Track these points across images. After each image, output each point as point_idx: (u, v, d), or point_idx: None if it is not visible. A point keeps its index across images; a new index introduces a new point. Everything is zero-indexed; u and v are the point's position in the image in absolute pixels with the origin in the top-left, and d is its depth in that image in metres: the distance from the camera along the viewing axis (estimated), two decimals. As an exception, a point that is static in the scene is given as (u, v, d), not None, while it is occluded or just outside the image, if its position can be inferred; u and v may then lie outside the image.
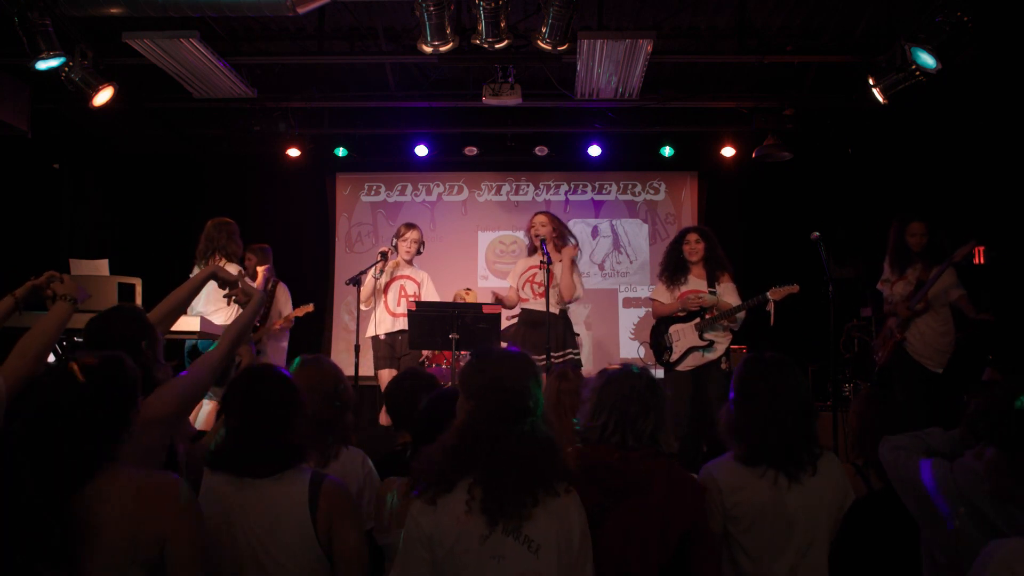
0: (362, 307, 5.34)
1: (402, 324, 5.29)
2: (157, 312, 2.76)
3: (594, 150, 7.53)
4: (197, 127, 7.37)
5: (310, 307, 6.05)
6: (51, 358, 2.50)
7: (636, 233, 8.12)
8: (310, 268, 7.91)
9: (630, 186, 8.16)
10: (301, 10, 4.50)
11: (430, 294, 5.49)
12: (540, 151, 7.60)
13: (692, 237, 5.09)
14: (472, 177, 8.19)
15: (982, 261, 6.13)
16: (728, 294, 4.96)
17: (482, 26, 4.68)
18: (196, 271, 5.14)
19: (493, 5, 4.49)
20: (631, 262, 8.07)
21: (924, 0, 4.73)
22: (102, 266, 4.92)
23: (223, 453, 2.13)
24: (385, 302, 5.40)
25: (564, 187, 8.18)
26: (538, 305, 5.11)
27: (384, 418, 5.00)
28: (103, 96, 5.32)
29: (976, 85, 5.81)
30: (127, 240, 7.69)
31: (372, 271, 5.33)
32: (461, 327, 4.63)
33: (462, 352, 4.81)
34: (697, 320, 4.93)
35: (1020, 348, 5.52)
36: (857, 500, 2.36)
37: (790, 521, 2.26)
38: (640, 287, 7.96)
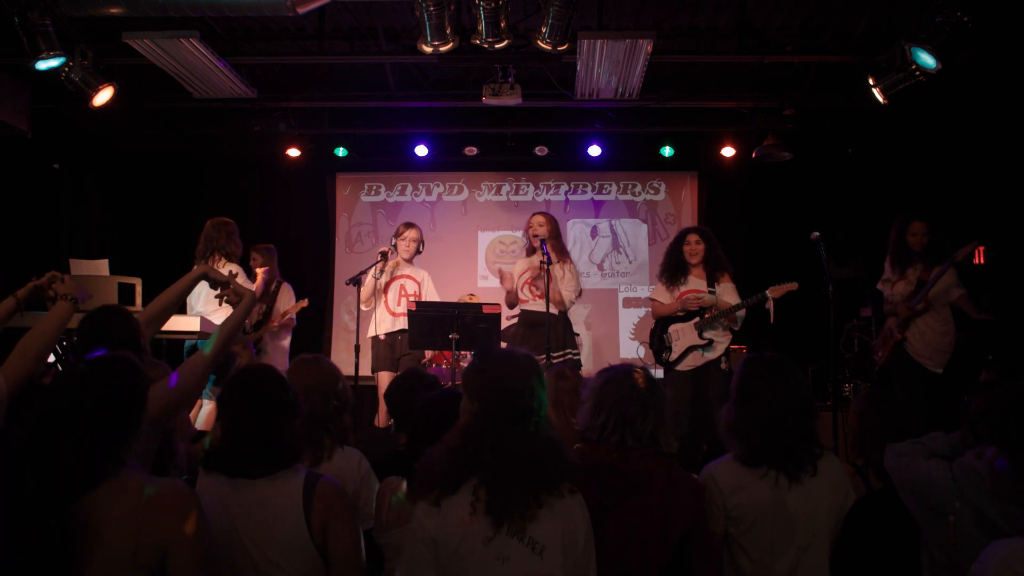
0: (362, 307, 5.33)
1: (402, 324, 5.28)
2: (147, 312, 2.75)
3: (594, 150, 7.53)
4: (197, 127, 7.37)
5: (304, 302, 6.03)
6: (51, 358, 2.50)
7: (636, 233, 8.11)
8: (310, 268, 7.89)
9: (630, 186, 8.16)
10: (301, 10, 4.50)
11: (430, 293, 5.49)
12: (540, 151, 7.60)
13: (692, 238, 5.09)
14: (472, 177, 8.19)
15: (982, 261, 6.12)
16: (728, 294, 4.96)
17: (482, 26, 4.67)
18: (195, 271, 5.14)
19: (493, 5, 4.48)
20: (631, 262, 8.07)
21: (924, 0, 4.73)
22: (102, 266, 4.94)
23: (218, 453, 2.12)
24: (385, 302, 5.40)
25: (564, 187, 8.17)
26: (537, 306, 5.11)
27: (382, 419, 5.00)
28: (103, 96, 5.32)
29: (976, 85, 5.81)
30: (127, 240, 7.69)
31: (372, 271, 5.32)
32: (461, 327, 4.62)
33: (462, 352, 4.81)
34: (696, 319, 4.93)
35: (1020, 348, 5.51)
36: (858, 500, 2.36)
37: (791, 521, 2.26)
38: (640, 287, 7.96)
